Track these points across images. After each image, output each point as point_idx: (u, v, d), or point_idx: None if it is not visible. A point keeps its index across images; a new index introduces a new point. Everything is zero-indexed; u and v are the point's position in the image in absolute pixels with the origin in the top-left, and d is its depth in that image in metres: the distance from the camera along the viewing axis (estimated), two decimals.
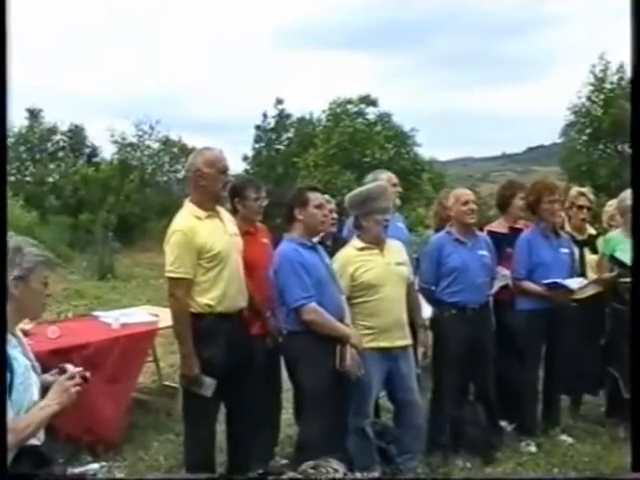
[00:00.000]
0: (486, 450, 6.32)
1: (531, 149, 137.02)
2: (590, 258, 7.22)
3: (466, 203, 6.43)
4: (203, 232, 5.13)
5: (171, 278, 5.10)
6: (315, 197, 5.44)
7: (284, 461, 6.01)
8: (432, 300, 6.49)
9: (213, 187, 5.24)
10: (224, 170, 5.29)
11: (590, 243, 7.29)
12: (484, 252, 6.49)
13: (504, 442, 6.58)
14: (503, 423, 6.76)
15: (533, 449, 6.48)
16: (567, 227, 7.30)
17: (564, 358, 6.82)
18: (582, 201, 7.36)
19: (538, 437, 6.65)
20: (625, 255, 6.76)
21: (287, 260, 5.28)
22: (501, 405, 6.65)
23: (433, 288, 6.43)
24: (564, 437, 6.72)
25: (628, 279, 6.74)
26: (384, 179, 6.78)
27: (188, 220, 5.18)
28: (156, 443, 6.72)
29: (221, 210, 5.45)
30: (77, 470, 5.77)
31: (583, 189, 7.70)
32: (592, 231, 7.42)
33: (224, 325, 5.19)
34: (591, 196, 7.51)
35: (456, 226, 6.49)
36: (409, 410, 5.82)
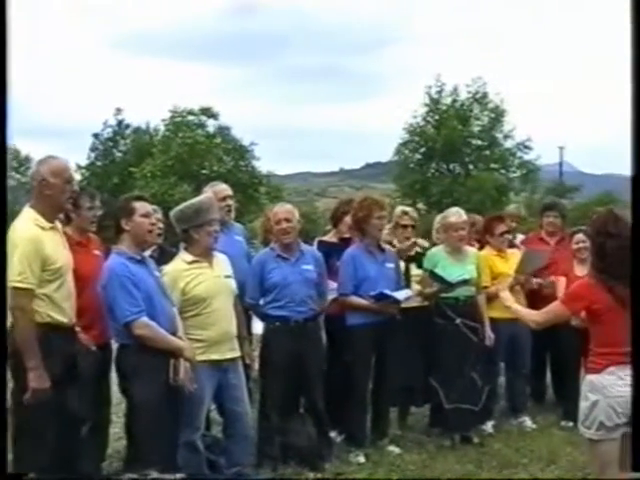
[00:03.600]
0: (315, 461, 6.37)
1: (369, 165, 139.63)
2: (415, 273, 7.37)
3: (279, 222, 6.45)
4: (48, 244, 4.96)
5: (18, 288, 4.79)
6: (141, 206, 5.32)
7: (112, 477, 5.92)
8: (259, 314, 6.62)
9: (58, 198, 5.08)
10: (70, 180, 5.16)
11: (417, 259, 7.42)
12: (309, 267, 6.53)
13: (333, 453, 6.65)
14: (333, 434, 6.86)
15: (362, 459, 6.57)
16: (396, 244, 7.40)
17: (392, 371, 6.94)
18: (406, 220, 7.49)
19: (367, 448, 6.74)
20: (445, 271, 6.98)
21: (115, 275, 5.15)
22: (331, 416, 6.73)
23: (260, 302, 6.49)
24: (392, 447, 6.84)
25: (448, 294, 7.00)
26: (220, 191, 6.78)
27: (32, 229, 4.95)
28: None
29: (57, 223, 5.29)
30: None
31: (407, 208, 7.88)
32: (419, 248, 7.53)
33: (54, 337, 4.99)
34: (414, 214, 7.70)
35: (278, 242, 6.55)
36: (238, 422, 5.85)
